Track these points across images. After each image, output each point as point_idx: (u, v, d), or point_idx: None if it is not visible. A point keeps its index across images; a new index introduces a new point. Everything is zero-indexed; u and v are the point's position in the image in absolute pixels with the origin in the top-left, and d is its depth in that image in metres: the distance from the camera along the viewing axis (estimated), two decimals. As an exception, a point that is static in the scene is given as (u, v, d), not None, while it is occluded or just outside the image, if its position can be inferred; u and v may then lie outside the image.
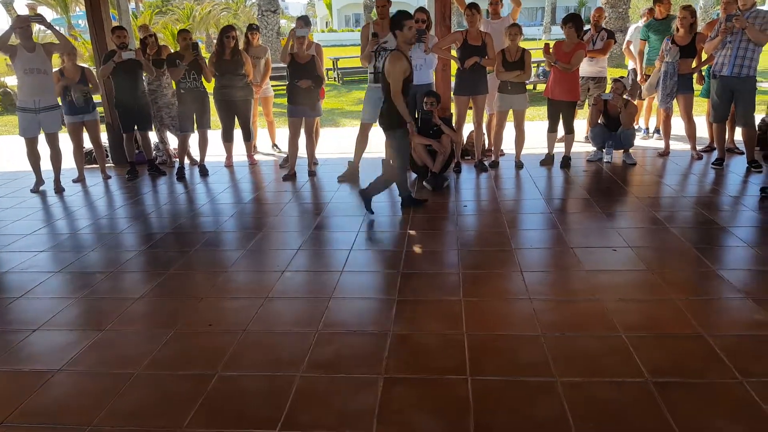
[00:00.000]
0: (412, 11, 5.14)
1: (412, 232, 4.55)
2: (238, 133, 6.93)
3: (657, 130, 7.58)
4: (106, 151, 7.18)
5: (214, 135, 7.11)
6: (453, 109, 6.45)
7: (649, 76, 6.75)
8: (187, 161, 6.99)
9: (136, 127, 6.56)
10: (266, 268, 3.97)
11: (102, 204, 5.75)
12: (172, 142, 7.31)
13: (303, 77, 5.94)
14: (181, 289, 3.67)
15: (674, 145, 6.83)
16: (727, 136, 6.36)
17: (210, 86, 6.67)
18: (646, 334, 2.89)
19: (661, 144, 6.88)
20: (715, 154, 6.23)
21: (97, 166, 6.88)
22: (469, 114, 6.45)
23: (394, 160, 4.96)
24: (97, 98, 6.90)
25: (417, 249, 4.18)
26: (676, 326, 2.96)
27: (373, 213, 4.99)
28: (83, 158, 6.76)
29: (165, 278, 3.82)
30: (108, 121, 7.23)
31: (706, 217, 4.60)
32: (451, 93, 6.51)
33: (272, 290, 3.56)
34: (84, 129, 6.51)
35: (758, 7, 5.58)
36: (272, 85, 7.88)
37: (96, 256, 4.33)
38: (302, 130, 6.31)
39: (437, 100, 5.84)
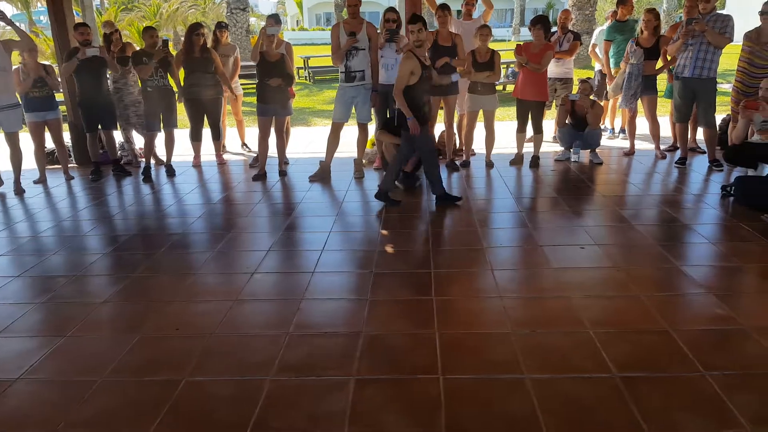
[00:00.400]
0: (382, 11, 5.17)
1: (384, 231, 4.55)
2: (206, 132, 6.84)
3: (622, 130, 7.73)
4: (68, 150, 7.01)
5: (181, 134, 7.00)
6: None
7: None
8: (153, 161, 6.86)
9: (100, 126, 6.42)
10: (235, 269, 3.91)
11: (64, 206, 5.60)
12: (138, 141, 7.17)
13: (273, 76, 5.89)
14: (147, 293, 3.59)
15: (639, 145, 6.97)
16: (689, 136, 6.51)
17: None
18: (612, 329, 2.94)
19: (626, 144, 7.01)
20: (678, 154, 6.38)
21: (60, 166, 6.71)
22: (441, 114, 6.49)
23: (397, 153, 5.24)
24: (59, 96, 6.73)
25: (389, 249, 4.18)
26: (641, 322, 3.01)
27: (399, 203, 5.19)
28: (45, 158, 6.59)
29: (130, 281, 3.74)
30: (71, 120, 7.05)
31: (670, 215, 4.71)
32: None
33: (241, 292, 3.51)
34: (46, 128, 6.34)
35: (718, 12, 5.73)
36: (241, 84, 7.79)
37: (58, 259, 4.21)
38: (272, 130, 6.26)
39: None
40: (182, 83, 6.51)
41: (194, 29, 6.43)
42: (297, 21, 53.88)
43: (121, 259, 4.18)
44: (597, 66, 7.94)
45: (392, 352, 2.81)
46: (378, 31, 5.95)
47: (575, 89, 6.73)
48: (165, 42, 6.29)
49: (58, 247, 4.46)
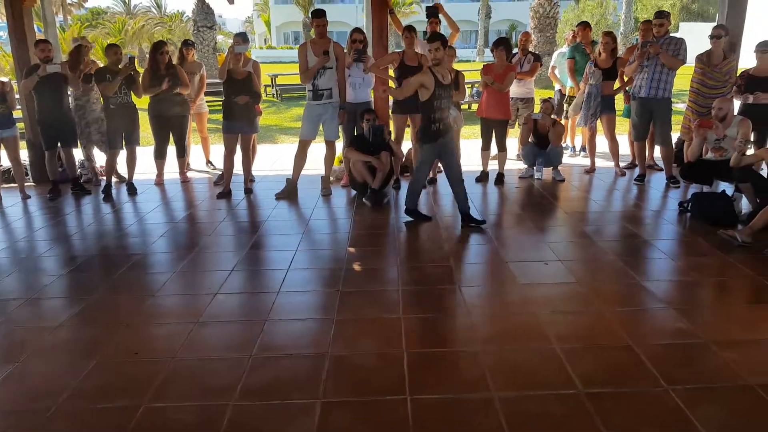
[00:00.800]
0: (349, 31, 5.18)
1: (351, 249, 4.52)
2: (170, 150, 6.73)
3: (583, 148, 7.90)
4: (25, 169, 6.80)
5: (144, 152, 6.87)
6: (392, 128, 6.49)
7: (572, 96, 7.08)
8: (114, 179, 6.71)
9: (59, 144, 6.25)
10: (197, 290, 3.82)
11: (20, 225, 5.41)
12: (99, 159, 7.00)
13: (240, 93, 5.86)
14: (104, 316, 3.48)
15: (599, 162, 7.12)
16: (647, 154, 6.68)
17: (141, 102, 6.45)
18: (577, 345, 2.96)
19: (587, 161, 7.16)
20: (637, 171, 6.53)
21: (16, 185, 6.49)
22: (408, 132, 6.52)
23: (414, 170, 5.21)
24: (17, 113, 6.54)
25: (357, 266, 4.15)
26: (605, 337, 3.05)
27: (431, 218, 5.19)
28: (0, 177, 6.37)
29: (87, 304, 3.61)
30: (29, 138, 6.85)
31: (631, 231, 4.80)
32: (390, 111, 6.56)
33: (204, 314, 3.43)
34: (1, 146, 6.14)
35: (671, 35, 5.93)
36: (207, 101, 7.71)
37: (12, 281, 4.05)
38: (238, 147, 6.20)
39: (375, 117, 5.91)
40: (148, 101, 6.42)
41: (158, 48, 6.37)
42: (265, 39, 53.83)
43: (79, 280, 4.05)
44: (557, 86, 8.12)
45: (359, 373, 2.77)
46: (345, 51, 5.98)
47: (537, 108, 6.86)
48: (131, 59, 6.20)
49: (12, 268, 4.30)
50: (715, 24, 6.19)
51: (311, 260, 4.36)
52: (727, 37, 5.90)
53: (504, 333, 3.14)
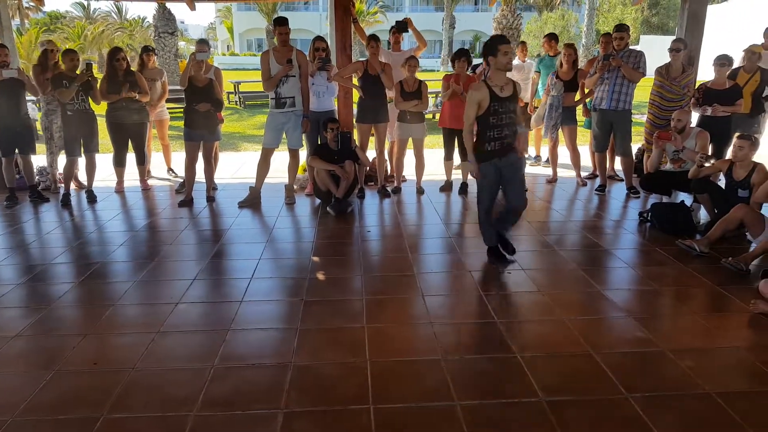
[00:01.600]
0: (311, 39, 5.17)
1: (315, 258, 4.50)
2: (130, 157, 6.61)
3: (546, 159, 8.07)
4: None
5: (105, 159, 6.72)
6: (356, 136, 6.51)
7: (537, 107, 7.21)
8: (73, 186, 6.54)
9: (17, 151, 6.07)
10: (158, 299, 3.74)
11: (-28, 234, 5.22)
12: (61, 166, 6.82)
13: (202, 101, 5.80)
14: (63, 326, 3.38)
15: (561, 172, 7.27)
16: (608, 165, 6.86)
17: (99, 109, 6.31)
18: (539, 353, 3.01)
19: (548, 171, 7.30)
20: (598, 181, 6.69)
21: (-30, 192, 6.27)
22: (372, 141, 6.55)
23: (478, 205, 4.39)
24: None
25: (320, 276, 4.13)
26: (566, 345, 3.10)
27: (513, 262, 4.36)
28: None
29: (45, 314, 3.51)
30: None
31: (591, 240, 4.91)
32: (354, 121, 6.59)
33: (165, 324, 3.36)
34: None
35: (631, 47, 6.12)
36: (168, 108, 7.59)
37: (-37, 291, 3.91)
38: (201, 155, 6.12)
39: (339, 126, 5.93)
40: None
41: (114, 54, 6.27)
42: (228, 46, 53.36)
43: (36, 290, 3.92)
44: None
45: (322, 382, 2.76)
46: (308, 59, 5.98)
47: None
48: (89, 65, 6.08)
49: (-38, 278, 4.14)
50: (674, 38, 6.40)
51: (275, 269, 4.33)
52: (686, 50, 6.11)
53: (466, 342, 3.17)
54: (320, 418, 2.49)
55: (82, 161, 6.34)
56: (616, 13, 38.09)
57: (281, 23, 5.69)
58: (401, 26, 6.65)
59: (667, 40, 6.20)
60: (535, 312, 3.56)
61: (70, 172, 6.26)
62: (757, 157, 4.86)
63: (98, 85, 6.15)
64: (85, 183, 6.44)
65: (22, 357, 3.03)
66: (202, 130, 5.95)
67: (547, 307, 3.60)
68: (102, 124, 6.40)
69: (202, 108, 5.81)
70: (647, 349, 3.07)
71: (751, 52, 5.98)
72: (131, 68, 6.47)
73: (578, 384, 2.74)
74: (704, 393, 2.64)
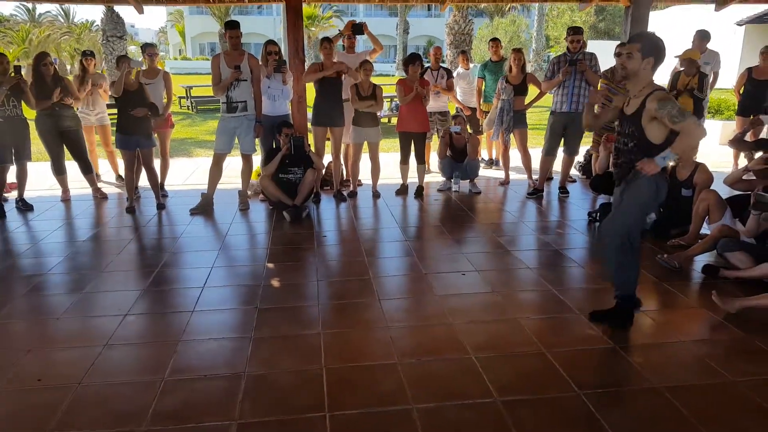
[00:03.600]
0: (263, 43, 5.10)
1: (270, 265, 4.43)
2: (70, 165, 6.40)
3: (496, 161, 8.21)
4: None
5: (39, 168, 6.45)
6: (311, 140, 6.46)
7: (488, 111, 7.33)
8: (14, 195, 6.27)
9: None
10: (106, 312, 3.60)
11: None
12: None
13: (135, 106, 5.68)
14: (3, 341, 3.22)
15: (513, 175, 7.38)
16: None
17: (31, 115, 6.08)
18: (493, 354, 3.04)
19: (501, 174, 7.41)
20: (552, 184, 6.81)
21: None
22: (328, 145, 6.51)
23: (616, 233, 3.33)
24: None
25: (275, 282, 4.07)
26: (520, 345, 3.14)
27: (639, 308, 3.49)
28: None
29: (-18, 330, 3.34)
30: None
31: (543, 241, 5.00)
32: (309, 124, 6.54)
33: (112, 337, 3.25)
34: None
35: (585, 50, 6.24)
36: (108, 113, 7.37)
37: None
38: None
39: (292, 129, 5.87)
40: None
41: (40, 60, 6.03)
42: (180, 50, 52.33)
43: (-29, 306, 3.73)
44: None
45: (277, 391, 2.71)
46: (260, 63, 5.90)
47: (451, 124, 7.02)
48: (17, 69, 5.85)
49: None
50: (619, 42, 6.57)
51: (228, 277, 4.24)
52: None
53: (422, 344, 3.17)
54: (275, 427, 2.44)
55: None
56: (565, 19, 39.04)
57: (232, 27, 5.61)
58: (357, 29, 6.63)
59: (614, 45, 6.39)
60: (489, 312, 3.60)
61: (2, 181, 5.99)
62: (700, 158, 5.05)
63: (28, 89, 5.91)
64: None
65: (-41, 376, 2.88)
66: (137, 135, 5.80)
67: (501, 307, 3.64)
68: (34, 133, 6.16)
69: (138, 113, 5.67)
70: (598, 346, 3.14)
71: (689, 60, 6.22)
72: (59, 74, 6.24)
73: (532, 383, 2.77)
74: (654, 388, 2.71)
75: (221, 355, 3.07)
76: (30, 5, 37.66)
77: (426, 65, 7.01)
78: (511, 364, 2.95)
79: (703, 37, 7.05)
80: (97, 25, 35.89)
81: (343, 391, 2.71)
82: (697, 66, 6.34)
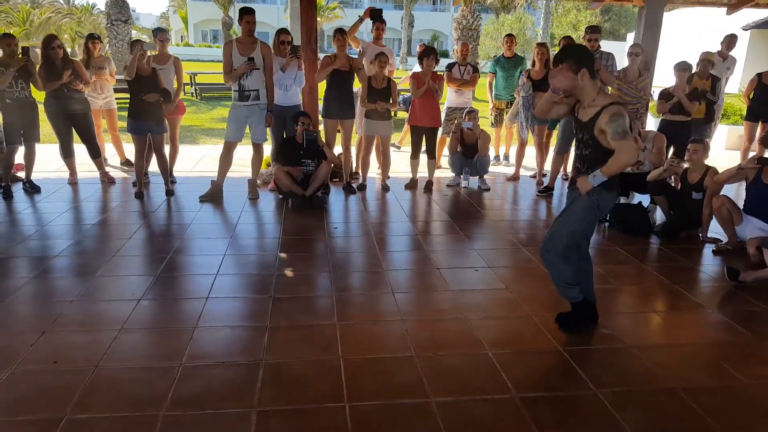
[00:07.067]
0: (272, 33, 5.05)
1: (282, 254, 4.42)
2: (78, 148, 6.39)
3: (506, 157, 8.20)
4: None
5: (48, 150, 6.43)
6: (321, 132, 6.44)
7: (500, 108, 7.38)
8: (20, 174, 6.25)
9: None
10: (119, 296, 3.60)
11: None
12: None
13: (148, 91, 5.65)
14: (17, 323, 3.22)
15: (522, 172, 7.37)
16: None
17: (40, 97, 6.05)
18: (509, 350, 3.04)
19: (509, 170, 7.40)
20: (546, 182, 6.79)
21: None
22: (339, 137, 6.50)
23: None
24: None
25: (289, 272, 4.07)
26: (535, 342, 3.15)
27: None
28: None
29: (-4, 311, 3.34)
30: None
31: (554, 239, 5.00)
32: (320, 116, 6.52)
33: (127, 321, 3.24)
34: None
35: (601, 49, 6.22)
36: (116, 98, 7.34)
37: None
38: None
39: (310, 121, 5.85)
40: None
41: (49, 43, 5.99)
42: (182, 36, 52.03)
43: (-16, 286, 3.72)
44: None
45: (295, 380, 2.72)
46: (272, 52, 5.87)
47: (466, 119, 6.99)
48: (25, 50, 5.80)
49: None
50: (632, 43, 6.58)
51: (241, 265, 4.24)
52: (643, 55, 6.28)
53: (438, 338, 3.17)
54: (295, 417, 2.45)
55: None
56: (570, 18, 38.98)
57: (248, 12, 5.57)
58: (376, 15, 6.53)
59: (618, 46, 6.40)
60: (504, 308, 3.60)
61: (9, 161, 5.96)
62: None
63: (36, 71, 5.88)
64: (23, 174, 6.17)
65: (-27, 355, 2.88)
66: (149, 121, 5.77)
67: (515, 304, 3.64)
68: (43, 115, 6.14)
69: (151, 98, 5.64)
70: (612, 345, 3.15)
71: (707, 60, 6.21)
72: (70, 57, 6.21)
73: (549, 380, 2.79)
74: (670, 389, 2.72)
75: (238, 343, 3.07)
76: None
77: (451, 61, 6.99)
78: (527, 360, 2.96)
79: (731, 41, 7.06)
80: (98, 8, 35.71)
81: (361, 382, 2.71)
82: (711, 69, 6.34)
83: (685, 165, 5.02)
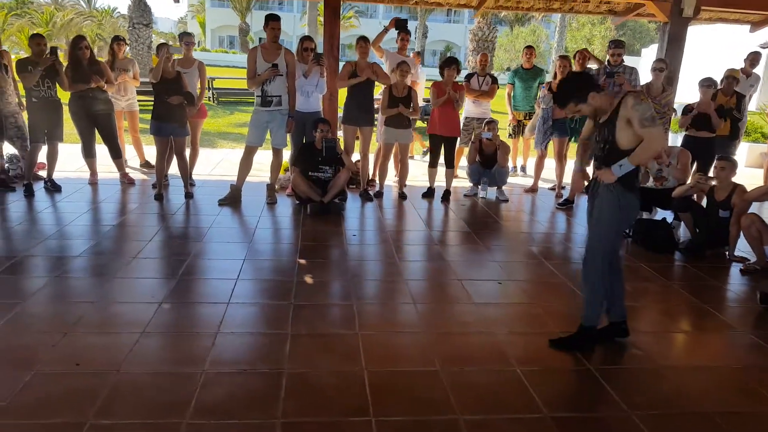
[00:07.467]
0: (287, 40, 5.03)
1: (302, 261, 4.38)
2: (100, 148, 6.39)
3: (523, 168, 8.14)
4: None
5: (69, 150, 6.44)
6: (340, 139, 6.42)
7: (519, 119, 7.35)
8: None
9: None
10: (140, 299, 3.56)
11: (-67, 221, 4.93)
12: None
13: (173, 94, 5.66)
14: (39, 323, 3.19)
15: (543, 183, 7.30)
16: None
17: (65, 97, 6.06)
18: (537, 367, 2.97)
19: (527, 181, 7.33)
20: (565, 194, 6.70)
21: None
22: (357, 144, 6.47)
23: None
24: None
25: (308, 279, 4.02)
26: (563, 360, 3.07)
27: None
28: None
29: (19, 310, 3.30)
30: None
31: (576, 252, 4.91)
32: (339, 122, 6.49)
33: (149, 324, 3.20)
34: None
35: (624, 64, 6.15)
36: (138, 100, 7.37)
37: (-75, 283, 3.66)
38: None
39: (329, 127, 5.82)
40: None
41: (76, 44, 6.03)
42: (198, 42, 52.49)
43: (7, 284, 3.69)
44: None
45: (319, 391, 2.66)
46: (296, 59, 5.85)
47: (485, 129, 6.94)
48: (53, 50, 5.83)
49: (-76, 268, 3.88)
50: (655, 58, 6.50)
51: (260, 270, 4.20)
52: (667, 70, 6.21)
53: (463, 353, 3.10)
54: (321, 429, 2.39)
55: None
56: (585, 32, 38.90)
57: (274, 19, 5.57)
58: (401, 25, 6.52)
59: (634, 61, 6.33)
60: (529, 324, 3.52)
61: (32, 160, 5.98)
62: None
63: (63, 71, 5.91)
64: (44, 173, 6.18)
65: (-5, 355, 2.85)
66: (172, 123, 5.77)
67: (541, 320, 3.56)
68: (67, 114, 6.15)
69: (175, 101, 5.66)
70: (642, 366, 3.06)
71: (733, 77, 6.14)
72: (96, 57, 6.25)
73: (580, 399, 2.72)
74: (704, 413, 2.63)
75: (259, 350, 3.03)
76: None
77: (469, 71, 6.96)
78: (557, 379, 2.89)
79: (754, 58, 6.98)
80: (119, 12, 36.11)
81: (386, 395, 2.65)
82: (736, 86, 6.25)
83: (713, 182, 4.93)
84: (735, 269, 4.65)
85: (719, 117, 5.89)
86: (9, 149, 6.38)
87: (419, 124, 10.74)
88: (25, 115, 6.07)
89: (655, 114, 2.83)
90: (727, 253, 4.87)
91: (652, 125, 2.77)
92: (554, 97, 3.09)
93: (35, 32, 6.40)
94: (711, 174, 5.37)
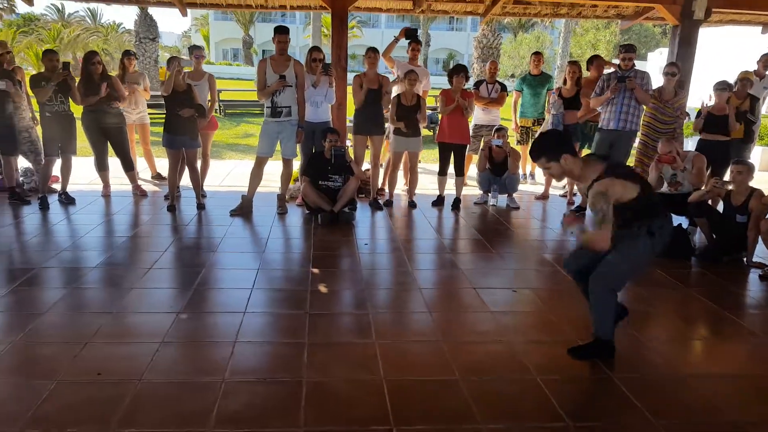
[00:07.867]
0: (297, 51, 5.06)
1: (315, 270, 4.38)
2: (113, 161, 6.44)
3: (531, 175, 8.14)
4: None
5: (82, 162, 6.49)
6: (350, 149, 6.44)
7: (524, 126, 7.36)
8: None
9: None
10: (158, 309, 3.58)
11: (-52, 234, 4.96)
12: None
13: (183, 106, 5.72)
14: (59, 333, 3.20)
15: (553, 191, 7.29)
16: None
17: (78, 111, 6.12)
18: (558, 376, 2.94)
19: (537, 188, 7.32)
20: (577, 201, 6.68)
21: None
22: (367, 153, 6.49)
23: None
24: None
25: (323, 288, 4.02)
26: (584, 368, 3.04)
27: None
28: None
29: (38, 321, 3.31)
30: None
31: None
32: (348, 133, 6.52)
33: (167, 334, 3.21)
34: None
35: (636, 68, 6.12)
36: (149, 113, 7.43)
37: (-56, 295, 3.68)
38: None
39: (338, 136, 5.85)
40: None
41: (89, 59, 6.10)
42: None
43: (26, 296, 3.71)
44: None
45: (339, 401, 2.65)
46: (304, 70, 5.88)
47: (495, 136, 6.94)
48: (66, 65, 5.90)
49: (-58, 281, 3.90)
50: (667, 62, 6.48)
51: (274, 280, 4.20)
52: (679, 74, 6.17)
53: (482, 362, 3.08)
54: (343, 438, 2.38)
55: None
56: (590, 37, 38.92)
57: (282, 32, 5.60)
58: (411, 34, 6.54)
59: (639, 65, 6.30)
60: (547, 332, 3.50)
61: (46, 173, 6.04)
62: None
63: (75, 86, 5.98)
64: (58, 186, 6.24)
65: (21, 366, 2.86)
66: (184, 136, 5.82)
67: (557, 328, 3.54)
68: (80, 128, 6.20)
69: (186, 113, 5.71)
70: (665, 373, 3.02)
71: (747, 79, 6.11)
72: (108, 72, 6.31)
73: (603, 408, 2.68)
74: (732, 421, 2.60)
75: (278, 359, 3.02)
76: (59, 4, 38.41)
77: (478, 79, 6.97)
78: (579, 388, 2.87)
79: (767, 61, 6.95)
80: (125, 27, 36.44)
81: (406, 404, 2.64)
82: (749, 88, 6.23)
83: (730, 187, 4.89)
84: (754, 275, 4.61)
85: (736, 120, 5.88)
86: (24, 163, 6.45)
87: (425, 132, 10.77)
88: (39, 130, 6.14)
89: (607, 214, 2.78)
90: (745, 259, 4.83)
91: (600, 224, 2.79)
92: (530, 149, 3.15)
93: (48, 48, 6.48)
94: (726, 178, 5.34)
